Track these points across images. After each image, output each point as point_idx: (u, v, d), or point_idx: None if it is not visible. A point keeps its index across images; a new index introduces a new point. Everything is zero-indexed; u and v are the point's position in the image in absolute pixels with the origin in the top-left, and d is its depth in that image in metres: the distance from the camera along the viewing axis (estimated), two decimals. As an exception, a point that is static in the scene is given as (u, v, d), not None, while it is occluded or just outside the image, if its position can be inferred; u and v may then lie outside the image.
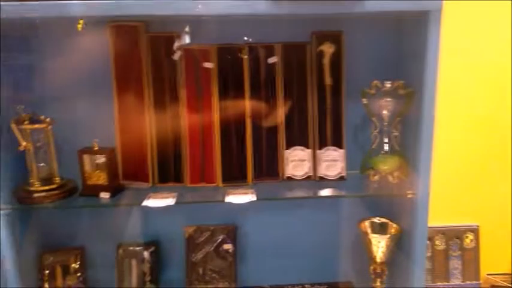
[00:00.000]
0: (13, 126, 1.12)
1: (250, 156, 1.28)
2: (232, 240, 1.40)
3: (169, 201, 1.18)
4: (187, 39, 1.24)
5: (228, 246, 1.40)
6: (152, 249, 1.38)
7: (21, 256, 1.21)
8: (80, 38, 1.22)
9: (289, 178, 1.30)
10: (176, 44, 1.22)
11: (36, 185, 1.17)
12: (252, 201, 1.18)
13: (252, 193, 1.21)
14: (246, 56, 1.23)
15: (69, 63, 1.24)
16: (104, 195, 1.20)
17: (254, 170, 1.29)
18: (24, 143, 1.13)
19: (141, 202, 1.18)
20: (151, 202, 1.17)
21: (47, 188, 1.17)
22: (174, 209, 1.19)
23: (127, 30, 1.20)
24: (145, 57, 1.22)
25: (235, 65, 1.24)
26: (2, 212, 1.13)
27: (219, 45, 1.24)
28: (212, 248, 1.40)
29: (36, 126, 1.15)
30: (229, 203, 1.19)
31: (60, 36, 1.23)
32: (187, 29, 1.23)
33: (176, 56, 1.23)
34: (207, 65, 1.24)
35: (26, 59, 1.23)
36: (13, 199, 1.18)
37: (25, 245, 1.26)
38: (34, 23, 1.20)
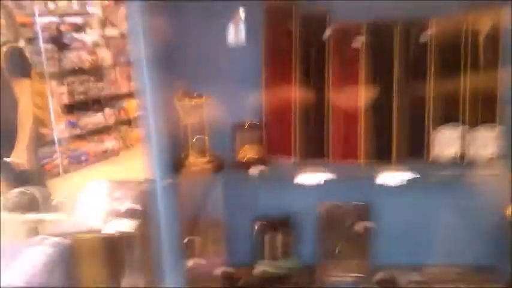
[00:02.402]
0: (176, 101, 1.18)
1: (396, 134, 1.26)
2: (367, 218, 1.41)
3: (320, 177, 1.20)
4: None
5: (363, 225, 1.41)
6: (287, 223, 1.42)
7: (171, 226, 1.29)
8: (233, 16, 1.25)
9: (436, 159, 1.27)
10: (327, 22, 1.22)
11: (193, 158, 1.23)
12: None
13: (401, 172, 1.20)
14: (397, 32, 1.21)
15: (222, 41, 1.27)
16: (255, 169, 1.24)
17: (399, 149, 1.27)
18: (186, 118, 1.18)
19: (291, 178, 1.21)
20: (302, 178, 1.20)
21: (202, 161, 1.23)
22: (307, 184, 1.21)
23: (280, 10, 1.22)
24: (295, 35, 1.23)
25: (385, 41, 1.22)
26: (162, 183, 1.20)
27: (369, 22, 1.22)
28: (347, 226, 1.41)
29: (196, 101, 1.20)
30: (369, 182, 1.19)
31: (213, 15, 1.26)
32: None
33: (326, 35, 1.23)
34: (356, 42, 1.23)
35: (180, 38, 1.28)
36: (169, 171, 1.24)
37: (173, 214, 1.33)
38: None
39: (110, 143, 5.69)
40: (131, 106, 6.20)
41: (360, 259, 1.42)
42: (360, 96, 1.25)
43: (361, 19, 1.23)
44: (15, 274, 0.77)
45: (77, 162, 5.19)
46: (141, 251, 1.20)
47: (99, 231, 0.93)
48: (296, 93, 1.26)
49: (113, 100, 6.00)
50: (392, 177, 1.21)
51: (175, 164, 1.25)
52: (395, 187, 1.22)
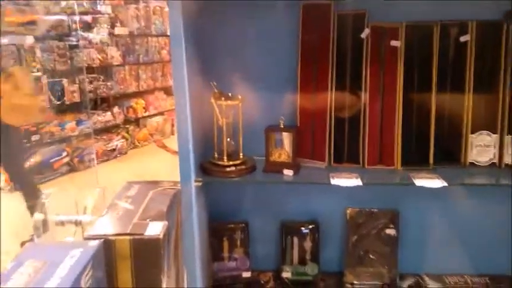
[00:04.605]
0: (212, 101, 1.16)
1: (432, 140, 1.23)
2: (395, 225, 1.38)
3: (356, 181, 1.17)
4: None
5: (390, 231, 1.38)
6: (313, 228, 1.40)
7: (200, 227, 1.27)
8: (268, 16, 1.22)
9: (472, 164, 1.24)
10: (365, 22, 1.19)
11: (225, 160, 1.20)
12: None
13: (438, 178, 1.17)
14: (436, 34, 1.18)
15: (258, 41, 1.25)
16: (288, 172, 1.21)
17: (435, 154, 1.24)
18: (221, 119, 1.16)
19: (322, 182, 1.18)
20: (338, 181, 1.17)
21: (234, 163, 1.21)
22: (335, 189, 1.19)
23: (318, 8, 1.19)
24: (332, 36, 1.21)
25: (423, 43, 1.20)
26: (195, 183, 1.18)
27: (408, 23, 1.20)
28: (374, 232, 1.39)
29: (231, 102, 1.17)
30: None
31: (249, 15, 1.24)
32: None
33: (364, 34, 1.20)
34: (394, 43, 1.21)
35: (216, 38, 1.26)
36: (200, 172, 1.22)
37: (201, 216, 1.31)
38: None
39: (118, 141, 5.68)
40: (139, 105, 6.19)
41: (387, 266, 1.40)
42: (397, 97, 1.22)
43: (397, 21, 1.21)
44: (60, 276, 0.75)
45: (86, 160, 5.17)
46: (171, 253, 1.18)
47: (136, 233, 0.91)
48: (332, 96, 1.24)
49: (121, 99, 5.99)
50: (427, 182, 1.18)
51: (207, 165, 1.23)
52: (426, 194, 1.19)
